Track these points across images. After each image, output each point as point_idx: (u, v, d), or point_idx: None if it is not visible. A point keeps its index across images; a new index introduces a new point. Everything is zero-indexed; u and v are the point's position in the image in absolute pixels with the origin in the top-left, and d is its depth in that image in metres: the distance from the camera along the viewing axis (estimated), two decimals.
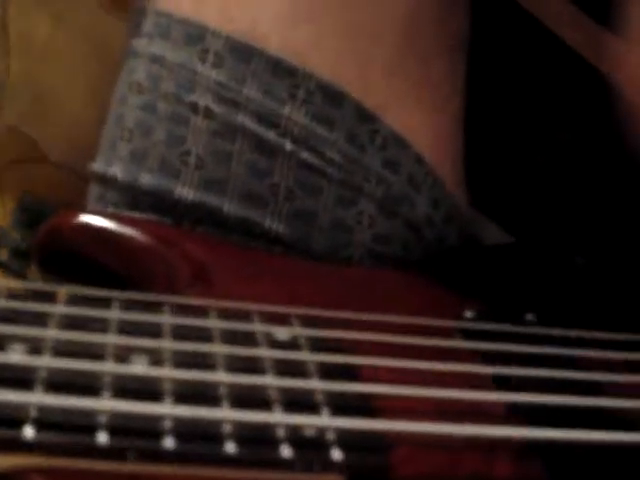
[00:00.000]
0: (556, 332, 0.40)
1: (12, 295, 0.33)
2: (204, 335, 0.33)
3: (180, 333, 0.32)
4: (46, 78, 0.57)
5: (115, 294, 0.35)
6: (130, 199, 0.45)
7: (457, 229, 0.49)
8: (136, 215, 0.45)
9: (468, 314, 0.41)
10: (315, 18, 0.44)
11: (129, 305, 0.34)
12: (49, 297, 0.33)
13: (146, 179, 0.44)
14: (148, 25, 0.46)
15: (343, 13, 0.44)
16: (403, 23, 0.45)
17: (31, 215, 0.56)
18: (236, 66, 0.44)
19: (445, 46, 0.48)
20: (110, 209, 0.46)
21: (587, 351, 0.38)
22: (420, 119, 0.47)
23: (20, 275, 0.55)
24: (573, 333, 0.40)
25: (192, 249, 0.43)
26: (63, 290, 0.37)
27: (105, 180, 0.46)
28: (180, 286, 0.42)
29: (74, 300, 0.33)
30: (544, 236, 0.55)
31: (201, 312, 0.34)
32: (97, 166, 0.47)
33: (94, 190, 0.47)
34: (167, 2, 0.46)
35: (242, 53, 0.44)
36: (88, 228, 0.43)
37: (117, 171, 0.45)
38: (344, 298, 0.43)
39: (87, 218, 0.43)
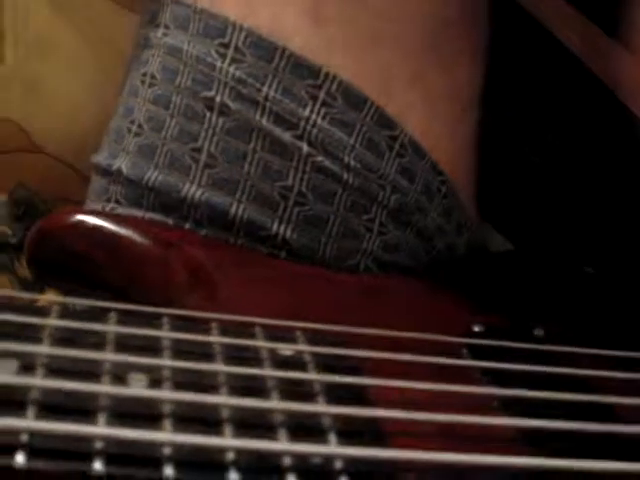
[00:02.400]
0: (566, 349, 0.39)
1: (3, 307, 0.31)
2: (205, 352, 0.31)
3: (180, 349, 0.31)
4: (42, 68, 0.56)
5: (112, 305, 0.33)
6: (135, 195, 0.43)
7: (466, 239, 0.48)
8: (138, 213, 0.43)
9: (476, 328, 0.40)
10: (340, 19, 0.42)
11: (126, 318, 0.32)
12: (41, 309, 0.31)
13: (154, 175, 0.43)
14: (165, 15, 0.44)
15: (368, 18, 0.43)
16: (427, 33, 0.44)
17: (22, 207, 0.54)
18: (257, 63, 0.42)
19: (467, 57, 0.46)
20: (112, 204, 0.44)
21: (599, 371, 0.37)
22: (439, 128, 0.45)
23: (8, 270, 0.53)
24: (583, 351, 0.39)
25: (192, 252, 0.41)
26: (55, 299, 0.36)
27: (109, 174, 0.44)
28: (178, 290, 0.40)
29: (68, 312, 0.31)
30: (552, 247, 0.53)
31: (202, 325, 0.33)
32: (101, 159, 0.45)
33: (96, 183, 0.46)
34: None
35: (264, 49, 0.42)
36: (84, 228, 0.42)
37: (123, 165, 0.44)
38: (351, 305, 0.41)
39: (83, 217, 0.42)
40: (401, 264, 0.45)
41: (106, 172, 0.44)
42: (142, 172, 0.43)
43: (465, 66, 0.47)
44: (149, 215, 0.43)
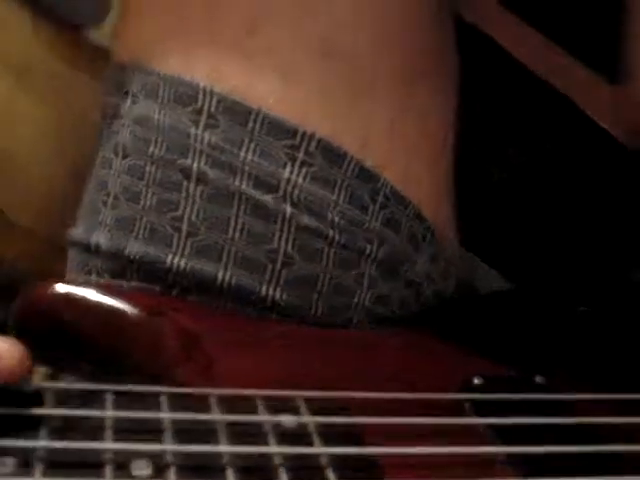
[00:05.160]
0: (569, 397, 0.38)
1: None
2: (208, 431, 0.30)
3: (182, 430, 0.30)
4: (8, 141, 0.54)
5: (107, 387, 0.32)
6: (116, 267, 0.42)
7: (454, 281, 0.48)
8: (122, 284, 0.42)
9: (476, 381, 0.39)
10: (312, 77, 0.42)
11: (123, 400, 0.31)
12: (36, 398, 0.30)
13: (134, 247, 0.42)
14: (132, 84, 0.43)
15: (342, 74, 0.42)
16: (401, 83, 0.44)
17: (3, 287, 0.53)
18: (231, 127, 0.41)
19: (441, 100, 0.46)
20: (94, 277, 0.43)
21: (604, 418, 0.37)
22: (418, 172, 0.45)
23: None
24: (587, 397, 0.39)
25: (182, 319, 0.40)
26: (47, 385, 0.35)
27: (88, 248, 0.43)
28: (170, 360, 0.39)
29: (64, 399, 0.30)
30: (543, 282, 0.53)
31: (201, 403, 0.32)
32: (78, 233, 0.44)
33: (75, 257, 0.44)
34: (153, 60, 0.43)
35: (237, 113, 0.41)
36: (69, 299, 0.40)
37: (101, 239, 0.43)
38: (346, 363, 0.41)
39: (67, 288, 0.41)
40: (392, 315, 0.45)
41: (84, 247, 0.43)
42: (122, 245, 0.42)
43: (440, 109, 0.47)
44: (134, 284, 0.42)
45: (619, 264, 0.54)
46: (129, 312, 0.40)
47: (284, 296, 0.42)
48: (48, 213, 0.55)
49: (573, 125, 0.55)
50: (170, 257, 0.41)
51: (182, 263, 0.41)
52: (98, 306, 0.40)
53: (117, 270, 0.42)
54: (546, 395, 0.38)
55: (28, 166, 0.55)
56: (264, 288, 0.42)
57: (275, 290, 0.42)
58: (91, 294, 0.40)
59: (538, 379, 0.40)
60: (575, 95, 0.54)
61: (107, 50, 0.55)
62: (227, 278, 0.41)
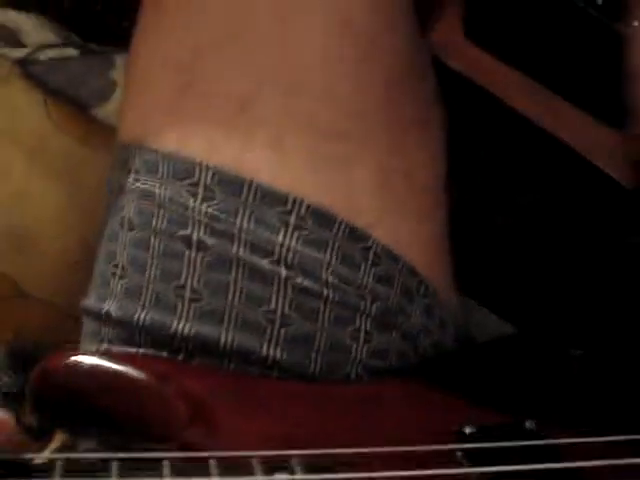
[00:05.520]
0: (558, 442, 0.40)
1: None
2: None
3: None
4: (22, 218, 0.57)
5: (112, 455, 0.34)
6: (126, 335, 0.45)
7: (452, 333, 0.49)
8: (131, 351, 0.45)
9: (468, 430, 0.41)
10: (302, 148, 0.44)
11: (128, 469, 0.33)
12: (46, 469, 0.33)
13: (142, 315, 0.44)
14: (135, 161, 0.46)
15: (325, 145, 0.45)
16: (385, 145, 0.46)
17: (22, 359, 0.55)
18: (227, 198, 0.44)
19: (428, 155, 0.49)
20: (105, 345, 0.46)
21: (592, 461, 0.38)
22: (408, 230, 0.47)
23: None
24: (575, 440, 0.40)
25: (189, 384, 0.42)
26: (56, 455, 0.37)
27: (99, 317, 0.46)
28: (178, 424, 0.42)
29: (71, 471, 0.33)
30: (538, 322, 0.55)
31: (202, 469, 0.34)
32: (90, 303, 0.47)
33: (88, 326, 0.47)
34: (152, 138, 0.46)
35: (232, 185, 0.44)
36: (80, 368, 0.43)
37: (112, 308, 0.45)
38: (345, 417, 0.42)
39: (79, 358, 0.43)
40: (390, 367, 0.46)
41: (96, 315, 0.46)
42: (130, 313, 0.45)
43: (427, 167, 0.49)
44: (142, 351, 0.45)
45: (619, 306, 0.55)
46: (138, 378, 0.43)
47: (284, 355, 0.44)
48: (62, 285, 0.58)
49: (571, 168, 0.56)
50: (175, 323, 0.44)
51: (186, 328, 0.44)
52: (107, 374, 0.42)
53: (127, 337, 0.45)
54: (534, 441, 0.39)
55: (42, 240, 0.57)
56: (264, 348, 0.44)
57: (275, 350, 0.44)
58: (99, 363, 0.42)
59: (528, 424, 0.41)
60: (569, 138, 0.56)
61: (114, 127, 0.58)
62: (229, 340, 0.44)
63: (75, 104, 0.61)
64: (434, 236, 0.49)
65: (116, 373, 0.42)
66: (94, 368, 0.42)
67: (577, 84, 0.56)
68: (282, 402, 0.43)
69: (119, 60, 0.62)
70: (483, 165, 0.59)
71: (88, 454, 0.36)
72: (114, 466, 0.33)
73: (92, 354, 0.44)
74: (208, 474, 0.34)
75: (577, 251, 0.58)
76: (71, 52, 0.63)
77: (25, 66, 0.62)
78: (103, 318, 0.46)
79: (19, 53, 0.62)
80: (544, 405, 0.43)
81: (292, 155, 0.44)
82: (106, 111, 0.61)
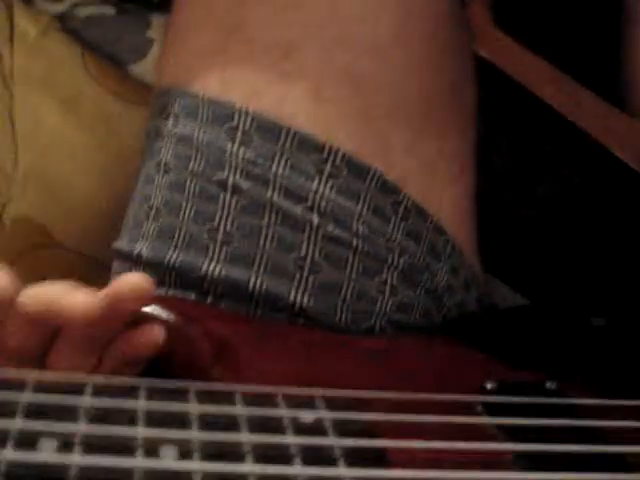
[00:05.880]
0: (578, 402, 0.40)
1: (39, 388, 0.33)
2: (231, 423, 0.33)
3: (207, 422, 0.33)
4: (54, 167, 0.58)
5: (141, 381, 0.35)
6: (156, 276, 0.45)
7: (475, 295, 0.50)
8: (160, 292, 0.45)
9: (489, 386, 0.41)
10: (339, 98, 0.45)
11: (155, 394, 0.34)
12: (76, 389, 0.33)
13: (173, 256, 0.45)
14: (174, 107, 0.47)
15: (364, 97, 0.45)
16: (419, 106, 0.46)
17: None
18: (264, 144, 0.45)
19: (458, 121, 0.49)
20: None
21: (612, 421, 0.38)
22: (437, 191, 0.47)
23: None
24: (596, 402, 0.40)
25: (215, 326, 0.43)
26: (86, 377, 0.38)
27: (131, 258, 0.47)
28: (202, 364, 0.42)
29: (101, 391, 0.33)
30: (559, 297, 0.55)
31: (227, 397, 0.35)
32: (122, 244, 0.48)
33: (118, 268, 0.48)
34: (194, 83, 0.46)
35: (270, 131, 0.45)
36: None
37: (143, 249, 0.46)
38: (367, 367, 0.43)
39: None
40: (414, 324, 0.47)
41: (127, 257, 0.47)
42: (162, 254, 0.45)
43: (458, 130, 0.49)
44: (171, 292, 0.45)
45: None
46: (165, 319, 0.44)
47: (311, 302, 0.45)
48: (92, 235, 0.58)
49: (593, 158, 0.57)
50: (206, 264, 0.45)
51: (216, 270, 0.44)
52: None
53: (157, 279, 0.46)
54: (555, 399, 0.40)
55: (73, 190, 0.58)
56: (292, 294, 0.44)
57: (303, 296, 0.44)
58: None
59: (549, 384, 0.42)
60: (591, 127, 0.56)
61: (148, 83, 0.59)
62: (258, 284, 0.44)
63: (112, 59, 0.62)
64: (462, 198, 0.50)
65: (143, 313, 0.43)
66: None
67: (603, 73, 0.56)
68: (306, 348, 0.43)
69: (155, 20, 0.63)
70: (505, 153, 0.59)
71: (117, 378, 0.36)
72: (142, 390, 0.34)
73: None
74: (233, 403, 0.34)
75: (597, 234, 0.58)
76: (108, 10, 0.63)
77: (63, 21, 0.62)
78: (134, 259, 0.47)
79: (58, 7, 0.63)
80: (565, 369, 0.44)
81: (331, 105, 0.45)
82: (142, 68, 0.62)
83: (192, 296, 0.45)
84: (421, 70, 0.47)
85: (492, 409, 0.39)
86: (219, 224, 0.45)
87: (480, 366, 0.43)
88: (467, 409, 0.39)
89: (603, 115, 0.57)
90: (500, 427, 0.37)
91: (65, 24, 0.62)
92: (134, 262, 0.47)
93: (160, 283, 0.45)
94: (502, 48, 0.57)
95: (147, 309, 0.43)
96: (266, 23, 0.45)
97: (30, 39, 0.59)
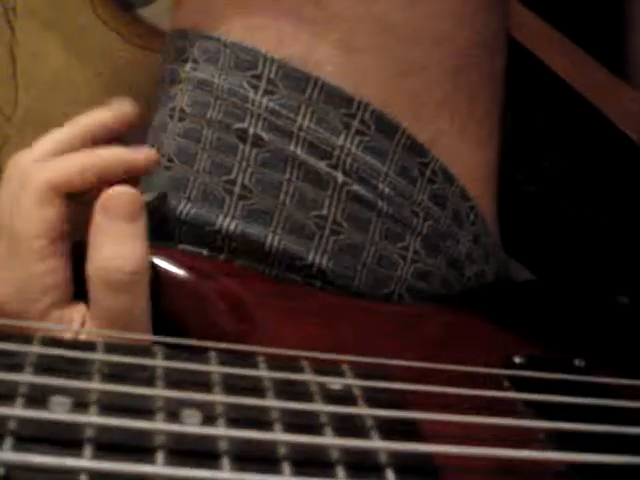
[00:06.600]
0: (607, 380, 0.38)
1: (50, 342, 0.30)
2: (256, 387, 0.31)
3: (231, 384, 0.30)
4: (55, 109, 0.56)
5: (157, 338, 0.33)
6: (167, 229, 0.43)
7: (494, 266, 0.48)
8: (170, 245, 0.43)
9: (517, 359, 0.39)
10: (371, 49, 0.42)
11: (173, 352, 0.32)
12: (88, 344, 0.31)
13: (186, 208, 0.42)
14: (193, 50, 0.44)
15: (397, 47, 0.43)
16: (452, 63, 0.44)
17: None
18: (290, 93, 0.42)
19: (489, 84, 0.47)
20: None
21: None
22: (465, 154, 0.45)
23: None
24: (626, 382, 0.39)
25: (228, 283, 0.41)
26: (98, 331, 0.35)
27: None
28: (216, 321, 0.40)
29: (114, 347, 0.31)
30: (577, 277, 0.53)
31: (249, 360, 0.32)
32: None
33: None
34: (216, 26, 0.43)
35: (297, 80, 0.42)
36: None
37: (154, 199, 0.43)
38: (388, 335, 0.41)
39: None
40: (433, 292, 0.45)
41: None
42: (173, 206, 0.43)
43: (488, 93, 0.47)
44: (182, 247, 0.43)
45: None
46: (175, 274, 0.41)
47: (330, 264, 0.42)
48: None
49: (604, 137, 0.55)
50: (221, 219, 0.42)
51: (232, 225, 0.42)
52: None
53: (167, 232, 0.43)
54: (585, 377, 0.38)
55: None
56: (311, 255, 0.42)
57: (322, 257, 0.42)
58: None
59: (577, 362, 0.40)
60: (608, 107, 0.54)
61: (157, 28, 0.57)
62: (275, 242, 0.42)
63: (120, 1, 0.59)
64: (487, 164, 0.48)
65: (154, 268, 0.41)
66: None
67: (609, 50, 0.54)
68: (325, 312, 0.41)
69: None
70: (509, 126, 0.57)
71: (130, 335, 0.34)
72: (160, 351, 0.32)
73: None
74: (256, 366, 0.32)
75: (603, 210, 0.56)
76: None
77: None
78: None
79: None
80: (593, 347, 0.42)
81: (361, 57, 0.42)
82: (151, 11, 0.59)
83: (205, 252, 0.42)
84: (456, 26, 0.44)
85: (519, 385, 0.37)
86: (237, 177, 0.42)
87: (505, 339, 0.41)
88: (494, 383, 0.37)
89: (611, 89, 0.55)
90: (529, 404, 0.36)
91: None
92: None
93: (170, 237, 0.43)
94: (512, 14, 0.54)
95: (157, 261, 0.41)
96: None
97: None
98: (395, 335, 0.41)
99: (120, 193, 0.38)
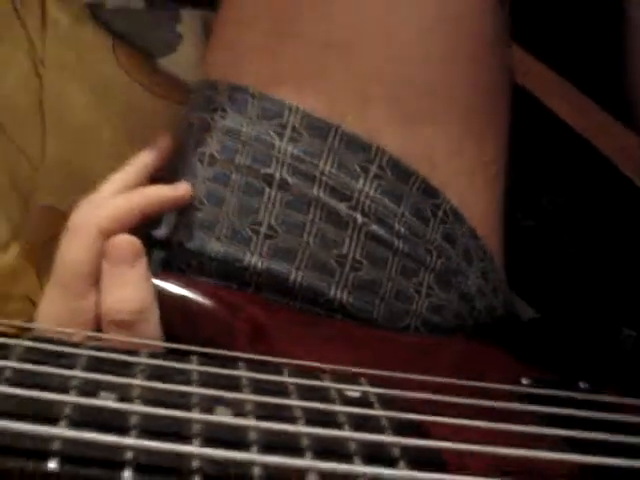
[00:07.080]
0: (614, 399, 0.41)
1: (95, 347, 0.34)
2: (281, 389, 0.34)
3: (258, 387, 0.34)
4: (81, 156, 0.58)
5: (191, 348, 0.36)
6: (196, 264, 0.46)
7: (502, 299, 0.51)
8: (201, 279, 0.46)
9: (524, 381, 0.42)
10: (387, 99, 0.46)
11: (207, 359, 0.35)
12: (131, 351, 0.34)
13: (216, 247, 0.46)
14: (222, 100, 0.48)
15: (412, 96, 0.47)
16: (462, 110, 0.48)
17: None
18: (313, 141, 0.46)
19: (495, 126, 0.50)
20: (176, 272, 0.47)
21: None
22: (473, 196, 0.49)
23: None
24: (629, 400, 0.41)
25: (255, 312, 0.44)
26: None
27: (169, 246, 0.48)
28: (241, 348, 0.43)
29: (155, 354, 0.34)
30: (580, 313, 0.55)
31: (275, 368, 0.36)
32: (161, 233, 0.49)
33: (156, 256, 0.49)
34: (243, 78, 0.48)
35: (319, 129, 0.46)
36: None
37: (184, 238, 0.47)
38: (405, 363, 0.43)
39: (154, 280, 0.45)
40: (447, 325, 0.48)
41: (166, 245, 0.48)
42: (204, 244, 0.46)
43: (495, 138, 0.51)
44: (213, 280, 0.46)
45: None
46: (206, 304, 0.44)
47: (350, 299, 0.45)
48: None
49: (598, 172, 0.57)
50: (248, 257, 0.46)
51: (259, 263, 0.45)
52: (176, 297, 0.44)
53: (197, 267, 0.47)
54: (593, 396, 0.40)
55: (97, 179, 0.58)
56: (332, 290, 0.45)
57: (342, 293, 0.45)
58: (170, 287, 0.44)
59: (582, 385, 0.43)
60: (598, 140, 0.57)
61: (177, 77, 0.60)
62: (299, 279, 0.45)
63: (142, 51, 0.61)
64: (494, 205, 0.51)
65: (185, 297, 0.44)
66: (164, 290, 0.44)
67: (608, 89, 0.57)
68: (347, 339, 0.44)
69: (185, 16, 0.62)
70: (517, 167, 0.60)
71: (168, 344, 0.37)
72: (193, 357, 0.35)
73: (162, 277, 0.45)
74: (281, 373, 0.35)
75: (600, 246, 0.58)
76: (137, 3, 0.64)
77: (94, 9, 0.63)
78: (175, 247, 0.47)
79: None
80: (598, 375, 0.44)
81: (378, 107, 0.46)
82: (172, 61, 0.62)
83: (234, 286, 0.46)
84: (468, 73, 0.48)
85: (529, 401, 0.39)
86: (263, 218, 0.46)
87: (515, 368, 0.44)
88: (504, 398, 0.39)
89: (609, 128, 0.57)
90: (539, 415, 0.38)
91: (95, 12, 0.63)
92: (174, 250, 0.47)
93: (200, 272, 0.46)
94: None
95: (184, 292, 0.44)
96: (320, 21, 0.46)
97: (62, 27, 0.59)
98: (413, 362, 0.43)
99: (121, 241, 0.42)
